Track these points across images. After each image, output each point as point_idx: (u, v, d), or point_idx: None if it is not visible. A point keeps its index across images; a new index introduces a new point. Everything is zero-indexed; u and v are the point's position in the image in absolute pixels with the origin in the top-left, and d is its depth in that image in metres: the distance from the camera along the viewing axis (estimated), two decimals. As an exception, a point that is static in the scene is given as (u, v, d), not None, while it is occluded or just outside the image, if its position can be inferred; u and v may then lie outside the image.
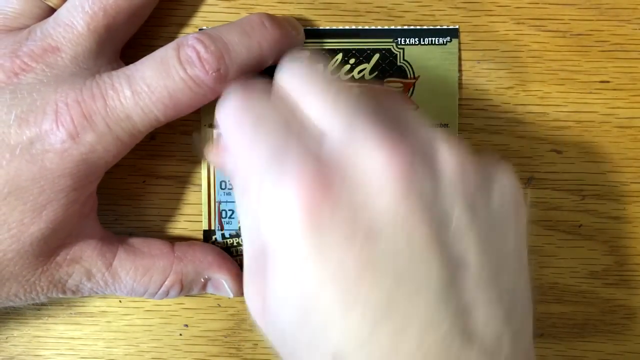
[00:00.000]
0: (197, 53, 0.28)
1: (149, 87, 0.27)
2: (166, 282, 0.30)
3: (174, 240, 0.33)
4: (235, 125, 0.25)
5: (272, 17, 0.30)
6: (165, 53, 0.28)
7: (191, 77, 0.28)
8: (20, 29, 0.29)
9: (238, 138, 0.25)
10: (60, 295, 0.30)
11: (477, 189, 0.24)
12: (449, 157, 0.24)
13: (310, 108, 0.25)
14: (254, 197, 0.24)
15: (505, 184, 0.25)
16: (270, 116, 0.25)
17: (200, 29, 0.32)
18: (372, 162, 0.23)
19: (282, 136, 0.24)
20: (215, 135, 0.29)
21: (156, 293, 0.31)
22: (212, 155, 0.29)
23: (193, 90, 0.28)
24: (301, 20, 0.32)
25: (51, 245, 0.28)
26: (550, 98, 0.32)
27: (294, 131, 0.24)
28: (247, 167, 0.25)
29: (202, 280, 0.31)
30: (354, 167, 0.23)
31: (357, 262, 0.22)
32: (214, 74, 0.28)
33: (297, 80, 0.26)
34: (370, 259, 0.22)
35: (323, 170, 0.23)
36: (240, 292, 0.32)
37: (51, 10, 0.29)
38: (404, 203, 0.23)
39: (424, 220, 0.23)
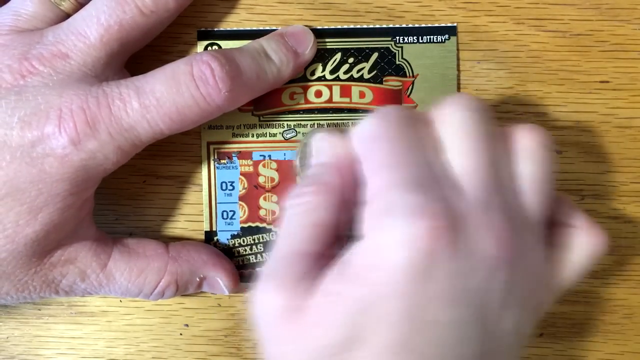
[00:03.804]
0: (212, 71, 0.28)
1: (158, 101, 0.27)
2: (161, 283, 0.30)
3: (174, 240, 0.33)
4: (388, 139, 0.25)
5: (281, 44, 0.30)
6: (177, 68, 0.28)
7: (202, 94, 0.28)
8: (32, 31, 0.29)
9: (387, 153, 0.25)
10: (54, 296, 0.30)
11: None
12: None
13: (457, 155, 0.26)
14: (377, 210, 0.25)
15: None
16: (421, 145, 0.26)
17: (199, 30, 0.32)
18: (485, 244, 0.24)
19: (428, 171, 0.25)
20: (308, 148, 0.29)
21: (151, 294, 0.31)
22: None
23: (201, 107, 0.28)
24: (301, 20, 0.32)
25: (45, 247, 0.28)
26: (550, 98, 0.32)
27: (437, 170, 0.25)
28: (386, 182, 0.25)
29: (198, 280, 0.31)
30: (471, 238, 0.24)
31: (444, 317, 0.24)
32: (226, 93, 0.28)
33: (457, 121, 0.26)
34: (452, 321, 0.24)
35: (454, 226, 0.24)
36: (235, 289, 0.32)
37: (64, 16, 0.29)
38: (497, 287, 0.25)
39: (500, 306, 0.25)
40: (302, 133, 0.32)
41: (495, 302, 0.24)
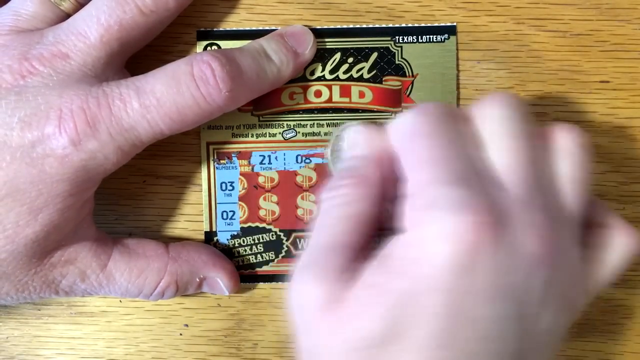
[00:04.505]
0: (212, 71, 0.28)
1: (158, 101, 0.27)
2: (161, 283, 0.30)
3: (174, 240, 0.33)
4: (429, 135, 0.26)
5: (281, 44, 0.30)
6: (177, 68, 0.28)
7: (203, 94, 0.28)
8: (32, 31, 0.29)
9: (429, 148, 0.25)
10: (53, 296, 0.30)
11: None
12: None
13: (498, 152, 0.26)
14: (420, 204, 0.25)
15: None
16: (463, 141, 0.26)
17: (199, 30, 0.32)
18: (527, 242, 0.24)
19: (471, 167, 0.25)
20: (339, 145, 0.29)
21: (151, 294, 0.31)
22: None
23: (202, 107, 0.28)
24: (301, 20, 0.32)
25: (45, 248, 0.28)
26: (550, 98, 0.32)
27: (479, 166, 0.25)
28: (430, 177, 0.25)
29: (197, 280, 0.31)
30: (514, 235, 0.24)
31: (485, 313, 0.24)
32: (227, 93, 0.28)
33: (498, 119, 0.26)
34: (492, 317, 0.24)
35: (498, 222, 0.24)
36: (235, 289, 0.32)
37: (64, 16, 0.29)
38: (538, 285, 0.25)
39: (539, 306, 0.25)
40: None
41: (534, 300, 0.25)
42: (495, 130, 0.26)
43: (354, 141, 0.28)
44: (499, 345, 0.24)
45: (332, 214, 0.27)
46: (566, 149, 0.27)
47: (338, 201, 0.27)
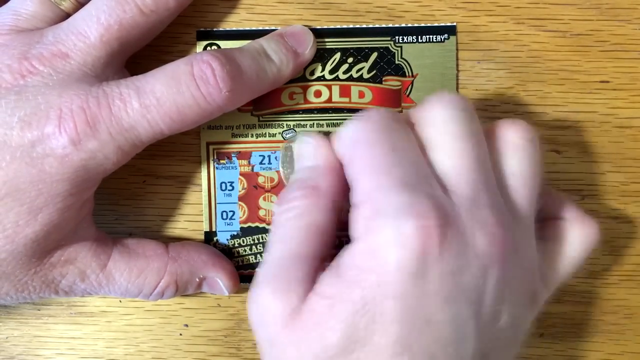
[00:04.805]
0: (213, 70, 0.28)
1: (158, 101, 0.27)
2: (161, 283, 0.30)
3: (174, 240, 0.33)
4: (372, 143, 0.26)
5: (281, 44, 0.30)
6: (177, 67, 0.28)
7: (203, 94, 0.28)
8: (32, 31, 0.29)
9: (372, 156, 0.25)
10: (53, 296, 0.30)
11: None
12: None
13: (443, 155, 0.26)
14: (367, 213, 0.25)
15: None
16: (406, 146, 0.26)
17: (198, 30, 0.32)
18: (477, 242, 0.24)
19: (415, 171, 0.25)
20: (290, 148, 0.29)
21: (151, 294, 0.31)
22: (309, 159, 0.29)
23: (202, 107, 0.28)
24: (301, 20, 0.32)
25: (45, 247, 0.28)
26: (550, 98, 0.32)
27: (423, 170, 0.25)
28: (374, 184, 0.25)
29: (197, 280, 0.31)
30: (463, 235, 0.24)
31: (442, 315, 0.24)
32: (227, 92, 0.28)
33: (441, 121, 0.26)
34: (448, 319, 0.24)
35: (444, 224, 0.24)
36: (235, 289, 0.32)
37: (64, 16, 0.29)
38: (491, 283, 0.25)
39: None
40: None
41: (489, 298, 0.25)
42: (438, 132, 0.26)
43: (303, 152, 0.28)
44: (458, 346, 0.24)
45: (285, 226, 0.27)
46: (513, 144, 0.27)
47: (291, 214, 0.27)
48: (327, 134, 0.28)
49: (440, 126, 0.26)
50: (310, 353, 0.25)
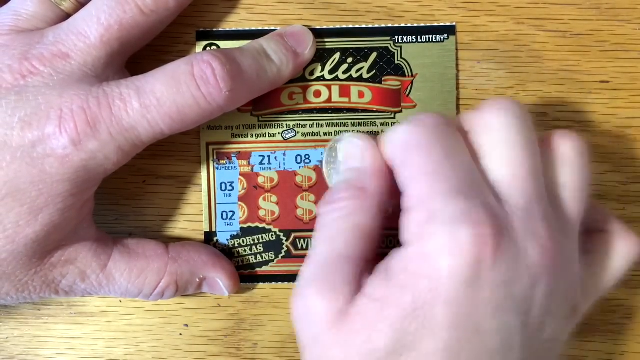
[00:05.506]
0: (213, 70, 0.28)
1: (159, 101, 0.27)
2: (161, 284, 0.30)
3: (174, 240, 0.33)
4: (425, 147, 0.25)
5: (281, 44, 0.30)
6: (177, 67, 0.28)
7: (203, 94, 0.28)
8: (33, 31, 0.29)
9: (426, 161, 0.25)
10: (53, 296, 0.30)
11: None
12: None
13: (497, 163, 0.26)
14: (421, 218, 0.25)
15: None
16: (459, 152, 0.26)
17: (198, 30, 0.32)
18: (529, 252, 0.24)
19: (469, 178, 0.25)
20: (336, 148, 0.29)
21: (151, 294, 0.31)
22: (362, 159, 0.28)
23: (202, 107, 0.28)
24: (301, 20, 0.32)
25: (46, 248, 0.28)
26: (550, 98, 0.32)
27: (476, 178, 0.25)
28: (428, 190, 0.25)
29: (197, 280, 0.31)
30: (516, 245, 0.24)
31: (490, 324, 0.24)
32: (227, 92, 0.28)
33: (496, 128, 0.26)
34: (497, 328, 0.24)
35: (498, 233, 0.24)
36: (235, 289, 0.32)
37: (65, 16, 0.29)
38: (540, 295, 0.25)
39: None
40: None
41: (537, 309, 0.25)
42: (493, 140, 0.26)
43: (350, 153, 0.28)
44: (505, 356, 0.24)
45: (331, 226, 0.27)
46: (566, 156, 0.27)
47: (337, 214, 0.27)
48: (373, 135, 0.28)
49: (495, 134, 0.26)
50: (358, 355, 0.25)
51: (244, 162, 0.32)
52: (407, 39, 0.32)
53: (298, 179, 0.32)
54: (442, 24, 0.32)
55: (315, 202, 0.32)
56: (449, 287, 0.23)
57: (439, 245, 0.24)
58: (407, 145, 0.26)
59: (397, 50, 0.32)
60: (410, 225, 0.25)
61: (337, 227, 0.27)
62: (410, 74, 0.32)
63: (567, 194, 0.27)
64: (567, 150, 0.27)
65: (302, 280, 0.26)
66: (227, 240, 0.33)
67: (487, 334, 0.24)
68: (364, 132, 0.32)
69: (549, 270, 0.25)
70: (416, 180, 0.25)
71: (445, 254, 0.24)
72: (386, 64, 0.32)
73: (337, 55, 0.32)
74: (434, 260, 0.24)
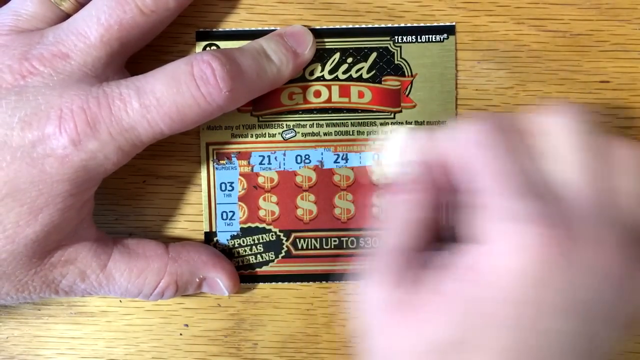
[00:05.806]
0: (213, 70, 0.28)
1: (158, 101, 0.27)
2: (161, 284, 0.30)
3: (174, 240, 0.33)
4: (493, 146, 0.26)
5: (281, 44, 0.30)
6: (177, 67, 0.28)
7: (203, 94, 0.28)
8: (32, 31, 0.29)
9: (493, 159, 0.25)
10: (53, 296, 0.30)
11: None
12: None
13: (564, 166, 0.26)
14: (488, 215, 0.25)
15: None
16: (525, 153, 0.26)
17: (198, 30, 0.32)
18: (597, 258, 0.24)
19: (536, 179, 0.25)
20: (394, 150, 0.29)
21: (151, 294, 0.31)
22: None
23: (202, 107, 0.28)
24: (301, 20, 0.32)
25: (45, 248, 0.28)
26: (550, 98, 0.32)
27: (543, 179, 0.25)
28: (495, 188, 0.25)
29: (197, 280, 0.31)
30: (584, 250, 0.24)
31: (556, 326, 0.24)
32: (227, 92, 0.28)
33: (563, 132, 0.26)
34: (562, 331, 0.24)
35: (567, 235, 0.24)
36: (235, 289, 0.32)
37: (64, 16, 0.29)
38: (603, 301, 0.25)
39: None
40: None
41: (601, 316, 0.25)
42: (560, 143, 0.26)
43: (411, 147, 0.28)
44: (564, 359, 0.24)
45: (396, 219, 0.27)
46: (629, 164, 0.26)
47: (400, 207, 0.27)
48: (429, 131, 0.28)
49: (562, 137, 0.26)
50: (417, 345, 0.25)
51: (244, 162, 0.32)
52: (406, 38, 0.32)
53: (298, 179, 0.32)
54: (442, 24, 0.32)
55: (315, 202, 0.32)
56: (515, 287, 0.24)
57: (508, 244, 0.24)
58: (473, 142, 0.26)
59: (397, 50, 0.32)
60: (478, 222, 0.25)
61: (399, 219, 0.27)
62: (410, 74, 0.32)
63: (629, 201, 0.26)
64: (629, 158, 0.26)
65: (367, 269, 0.27)
66: (227, 240, 0.33)
67: (549, 335, 0.24)
68: (364, 132, 0.32)
69: (616, 277, 0.25)
70: (483, 178, 0.25)
71: (513, 253, 0.24)
72: (386, 64, 0.32)
73: (337, 55, 0.32)
74: (502, 258, 0.24)
